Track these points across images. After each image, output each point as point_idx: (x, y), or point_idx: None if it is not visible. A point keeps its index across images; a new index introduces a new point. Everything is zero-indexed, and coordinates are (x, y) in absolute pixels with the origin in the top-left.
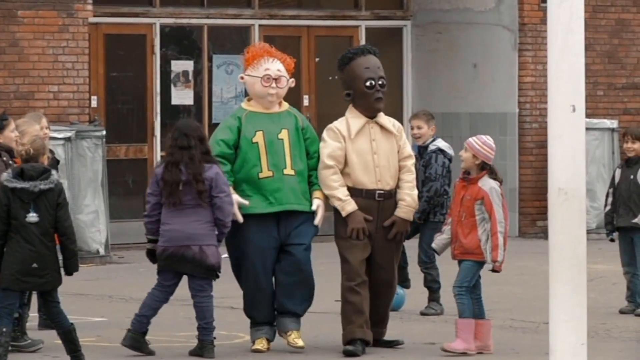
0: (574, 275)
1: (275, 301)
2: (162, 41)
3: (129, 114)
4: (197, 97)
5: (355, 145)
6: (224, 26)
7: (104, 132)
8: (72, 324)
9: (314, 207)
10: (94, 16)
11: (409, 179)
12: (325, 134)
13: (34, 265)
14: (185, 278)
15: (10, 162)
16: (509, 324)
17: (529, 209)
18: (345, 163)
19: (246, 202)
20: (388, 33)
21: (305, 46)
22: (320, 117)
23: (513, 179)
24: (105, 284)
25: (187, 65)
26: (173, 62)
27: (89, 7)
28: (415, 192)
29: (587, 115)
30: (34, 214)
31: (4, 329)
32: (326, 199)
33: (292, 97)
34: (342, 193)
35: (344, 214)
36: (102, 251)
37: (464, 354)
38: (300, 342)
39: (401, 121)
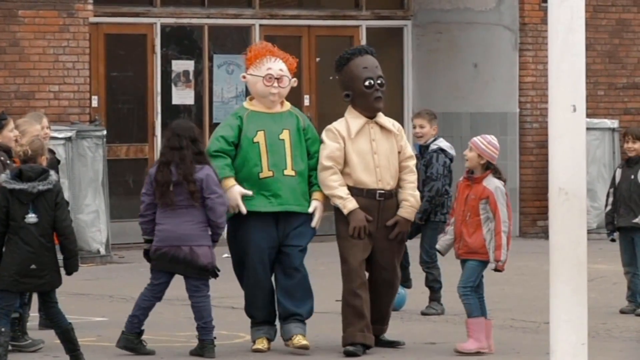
0: (574, 275)
1: (278, 307)
2: (162, 41)
3: (129, 114)
4: (198, 97)
5: (356, 146)
6: (225, 26)
7: (105, 132)
8: (70, 323)
9: (310, 210)
10: (95, 16)
11: (412, 179)
12: (324, 135)
13: (33, 266)
14: (178, 279)
15: (8, 162)
16: (510, 323)
17: (529, 209)
18: (346, 163)
19: (249, 192)
20: (389, 33)
21: (306, 46)
22: (321, 117)
23: (514, 178)
24: (106, 283)
25: (188, 65)
26: (174, 62)
27: (90, 7)
28: (418, 192)
29: (588, 115)
30: (33, 215)
31: (3, 329)
32: (325, 199)
33: (293, 97)
34: (343, 192)
35: (345, 211)
36: (102, 251)
37: (477, 353)
38: (304, 341)
39: (401, 121)
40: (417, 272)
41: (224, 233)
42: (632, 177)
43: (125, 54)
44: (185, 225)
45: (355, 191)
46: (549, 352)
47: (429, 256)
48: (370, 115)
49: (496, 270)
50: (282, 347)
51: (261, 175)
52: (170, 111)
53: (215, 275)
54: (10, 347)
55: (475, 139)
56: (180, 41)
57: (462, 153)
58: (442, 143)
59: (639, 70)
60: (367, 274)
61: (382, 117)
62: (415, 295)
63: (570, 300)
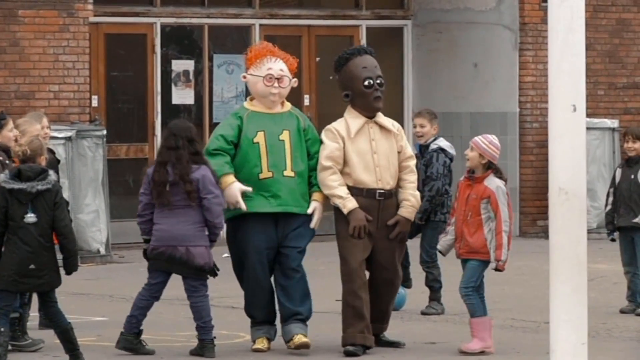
0: (574, 274)
1: (279, 308)
2: (162, 41)
3: (129, 114)
4: (198, 97)
5: (355, 145)
6: (225, 26)
7: (105, 132)
8: (69, 323)
9: (309, 211)
10: (95, 16)
11: (412, 179)
12: (323, 135)
13: (32, 266)
14: (178, 278)
15: (7, 162)
16: (510, 323)
17: (529, 209)
18: (346, 163)
19: (249, 188)
20: (389, 33)
21: (306, 46)
22: (321, 117)
23: (514, 178)
24: (106, 283)
25: (188, 64)
26: (174, 62)
27: (90, 6)
28: (418, 193)
29: (588, 115)
30: (32, 215)
31: (2, 329)
32: (325, 199)
33: (293, 96)
34: (343, 191)
35: (345, 211)
36: (102, 251)
37: (481, 352)
38: (304, 339)
39: (401, 121)
40: (417, 272)
41: (223, 233)
42: (632, 176)
43: (125, 53)
44: (182, 226)
45: (355, 191)
46: (549, 352)
47: (429, 256)
48: (370, 115)
49: (497, 269)
50: (282, 347)
51: (261, 176)
52: (170, 111)
53: (214, 274)
54: (10, 347)
55: (476, 138)
56: (180, 41)
57: (462, 153)
58: (442, 142)
59: (639, 70)
60: (367, 274)
61: (381, 117)
62: (415, 294)
63: (570, 300)
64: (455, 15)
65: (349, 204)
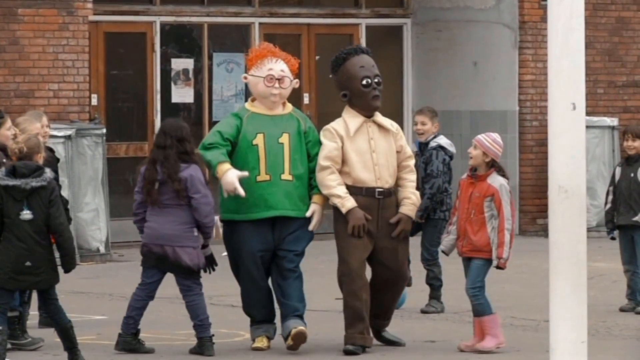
0: (574, 273)
1: (280, 308)
2: (162, 39)
3: (129, 112)
4: (198, 95)
5: (354, 144)
6: (224, 24)
7: (104, 130)
8: (70, 321)
9: (308, 214)
10: (94, 14)
11: (412, 178)
12: (321, 135)
13: (28, 263)
14: (170, 277)
15: (5, 160)
16: (510, 322)
17: (529, 207)
18: (345, 162)
19: (246, 173)
20: (388, 31)
21: (306, 44)
22: (321, 116)
23: (513, 177)
24: (106, 282)
25: (188, 63)
26: (173, 60)
27: (89, 5)
28: (418, 192)
29: (587, 113)
30: (28, 212)
31: (0, 328)
32: (325, 200)
33: (293, 95)
34: (341, 191)
35: (344, 210)
36: (102, 249)
37: (481, 351)
38: (301, 327)
39: (401, 119)
40: (417, 270)
41: (220, 231)
42: (632, 175)
43: (125, 52)
44: (170, 225)
45: (354, 190)
46: (548, 350)
47: (429, 254)
48: (368, 114)
49: (498, 267)
50: (282, 345)
51: (258, 179)
52: (170, 109)
53: (213, 269)
54: (10, 346)
55: (479, 136)
56: (180, 39)
57: (462, 151)
58: (442, 140)
59: (638, 69)
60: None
61: (379, 117)
62: (415, 293)
63: (570, 298)
64: (454, 14)
65: (348, 203)
